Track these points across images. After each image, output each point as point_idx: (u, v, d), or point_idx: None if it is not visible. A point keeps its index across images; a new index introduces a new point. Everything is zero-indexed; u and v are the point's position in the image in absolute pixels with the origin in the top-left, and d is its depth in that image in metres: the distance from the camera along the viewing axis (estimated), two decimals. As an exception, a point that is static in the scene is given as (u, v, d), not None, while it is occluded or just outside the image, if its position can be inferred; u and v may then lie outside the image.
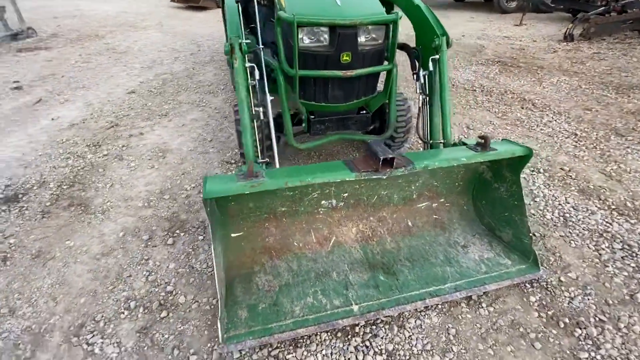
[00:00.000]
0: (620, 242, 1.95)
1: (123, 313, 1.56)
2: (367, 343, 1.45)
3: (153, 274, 1.76)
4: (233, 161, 2.70)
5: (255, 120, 1.86)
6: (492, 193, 1.96)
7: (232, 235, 1.80)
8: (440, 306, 1.61)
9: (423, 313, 1.58)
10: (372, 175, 1.52)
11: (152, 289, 1.68)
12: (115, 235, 1.98)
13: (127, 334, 1.48)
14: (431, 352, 1.42)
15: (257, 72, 1.79)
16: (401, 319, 1.55)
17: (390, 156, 1.49)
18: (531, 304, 1.63)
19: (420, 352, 1.42)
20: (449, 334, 1.49)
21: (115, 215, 2.13)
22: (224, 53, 1.76)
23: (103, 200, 2.26)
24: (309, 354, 1.41)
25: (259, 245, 1.82)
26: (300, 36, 1.79)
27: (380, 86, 2.26)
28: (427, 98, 2.13)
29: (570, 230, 2.06)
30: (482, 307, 1.61)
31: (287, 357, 1.40)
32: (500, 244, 1.91)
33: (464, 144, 1.82)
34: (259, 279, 1.70)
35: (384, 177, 1.55)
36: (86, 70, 4.69)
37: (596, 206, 2.24)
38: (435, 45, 2.01)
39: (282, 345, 1.44)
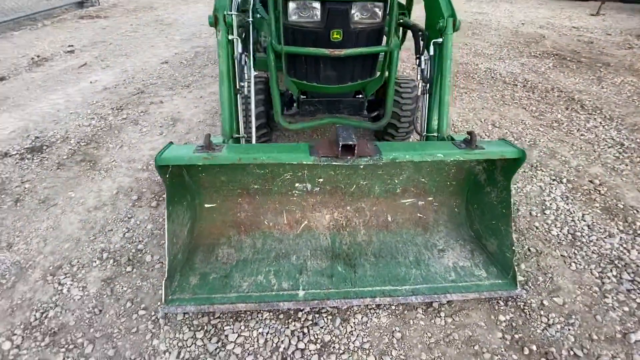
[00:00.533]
0: (633, 273, 1.66)
1: (95, 262, 1.70)
2: (305, 330, 1.43)
3: (131, 231, 1.88)
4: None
5: (239, 95, 1.86)
6: (484, 197, 1.78)
7: (206, 205, 1.85)
8: (394, 307, 1.52)
9: (373, 311, 1.51)
10: (331, 162, 1.45)
11: (126, 244, 1.80)
12: (110, 193, 2.15)
13: (94, 281, 1.62)
14: (368, 351, 1.36)
15: (240, 46, 1.76)
16: (348, 312, 1.50)
17: (351, 143, 1.39)
18: (498, 323, 1.47)
19: (356, 349, 1.37)
20: (393, 336, 1.41)
21: (115, 174, 2.30)
22: (209, 24, 1.75)
23: (110, 159, 2.45)
24: (246, 329, 1.43)
25: (229, 218, 1.85)
26: (289, 10, 1.72)
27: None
28: (427, 86, 1.95)
29: (576, 251, 1.80)
30: (440, 317, 1.49)
31: (225, 328, 1.43)
32: (483, 254, 1.73)
33: (452, 139, 1.65)
34: (221, 250, 1.74)
35: (347, 164, 1.47)
36: (132, 39, 5.03)
37: (618, 229, 1.92)
38: (439, 27, 1.82)
39: (223, 317, 1.47)
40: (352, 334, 1.42)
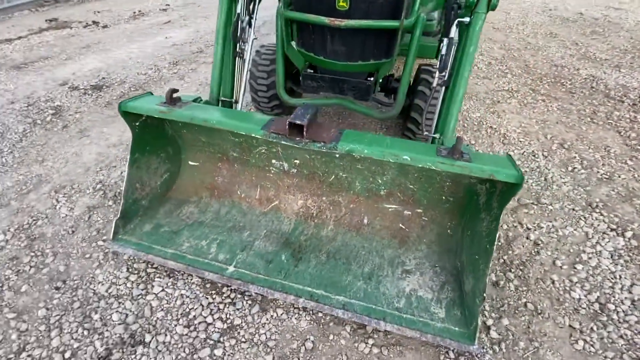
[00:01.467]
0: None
1: (89, 190, 1.91)
2: (221, 306, 1.38)
3: (129, 171, 2.06)
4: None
5: (239, 58, 1.81)
6: (477, 224, 1.43)
7: (190, 162, 1.90)
8: (321, 315, 1.36)
9: (296, 311, 1.37)
10: (280, 140, 1.31)
11: (119, 182, 1.98)
12: (129, 134, 2.37)
13: (81, 205, 1.82)
14: (269, 350, 1.25)
15: (239, 6, 1.68)
16: (271, 304, 1.39)
17: (299, 122, 1.23)
18: None
19: (259, 342, 1.27)
20: (303, 345, 1.27)
21: (143, 120, 2.53)
22: None
23: (146, 106, 2.69)
24: (171, 287, 1.45)
25: (208, 180, 1.87)
26: None
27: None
28: (446, 77, 1.59)
29: (595, 327, 1.34)
30: (367, 343, 1.28)
31: (155, 279, 1.48)
32: (454, 292, 1.41)
33: (442, 143, 1.34)
34: (187, 208, 1.77)
35: (298, 146, 1.31)
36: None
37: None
38: (469, 2, 1.44)
39: (160, 269, 1.52)
40: (263, 327, 1.32)
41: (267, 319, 1.34)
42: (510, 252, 1.64)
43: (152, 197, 1.74)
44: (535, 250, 1.65)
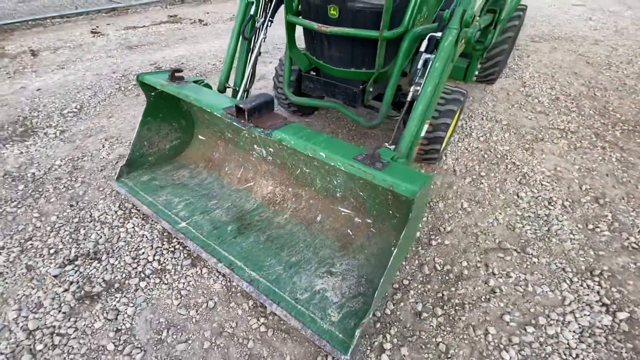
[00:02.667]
0: None
1: (127, 143, 2.40)
2: (164, 252, 1.62)
3: (160, 136, 2.50)
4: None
5: (250, 53, 2.06)
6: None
7: (199, 137, 2.23)
8: (234, 285, 1.49)
9: (217, 274, 1.53)
10: (233, 121, 1.48)
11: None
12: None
13: (116, 152, 2.31)
14: (179, 296, 1.43)
15: (254, 8, 1.93)
16: (202, 262, 1.58)
17: (242, 106, 1.39)
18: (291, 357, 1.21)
19: (175, 288, 1.46)
20: (207, 303, 1.41)
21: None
22: None
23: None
24: (139, 227, 1.76)
25: (208, 153, 2.17)
26: None
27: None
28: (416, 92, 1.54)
29: None
30: (259, 321, 1.36)
31: (132, 218, 1.81)
32: (363, 306, 1.37)
33: (392, 156, 1.31)
34: (182, 171, 2.09)
35: (243, 128, 1.47)
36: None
37: None
38: (443, 17, 1.39)
39: (139, 211, 1.85)
40: (185, 278, 1.51)
41: (191, 273, 1.53)
42: (454, 289, 1.49)
43: (159, 156, 2.11)
44: (487, 297, 1.46)
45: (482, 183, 2.09)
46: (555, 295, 1.47)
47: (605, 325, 1.36)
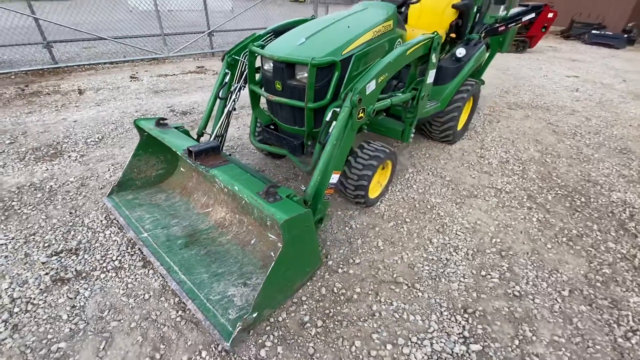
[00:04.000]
0: None
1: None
2: (125, 255, 2.08)
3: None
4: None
5: (226, 102, 2.64)
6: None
7: (181, 169, 2.78)
8: (169, 286, 1.89)
9: (159, 277, 1.95)
10: (186, 158, 2.00)
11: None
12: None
13: (119, 172, 2.90)
14: (124, 287, 1.86)
15: (228, 77, 2.55)
16: (152, 266, 2.01)
17: (191, 149, 1.90)
18: (189, 343, 1.56)
19: (123, 281, 1.90)
20: (143, 295, 1.83)
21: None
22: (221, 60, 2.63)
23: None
24: (115, 235, 2.25)
25: (184, 182, 2.69)
26: (261, 60, 2.33)
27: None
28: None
29: None
30: (177, 312, 1.74)
31: (111, 227, 2.31)
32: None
33: (287, 194, 1.73)
34: (160, 195, 2.61)
35: (192, 165, 1.97)
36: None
37: None
38: (340, 97, 1.88)
39: (117, 222, 2.35)
40: (133, 275, 1.95)
41: (140, 272, 1.97)
42: (340, 308, 1.81)
43: (145, 181, 2.66)
44: (365, 318, 1.77)
45: (403, 227, 2.43)
46: (424, 323, 1.75)
47: (456, 353, 1.62)
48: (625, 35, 11.09)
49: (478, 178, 3.12)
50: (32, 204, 2.50)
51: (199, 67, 6.50)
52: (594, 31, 11.46)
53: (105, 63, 6.38)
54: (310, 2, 13.46)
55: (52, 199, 2.57)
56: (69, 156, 3.16)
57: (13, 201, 2.52)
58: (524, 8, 9.14)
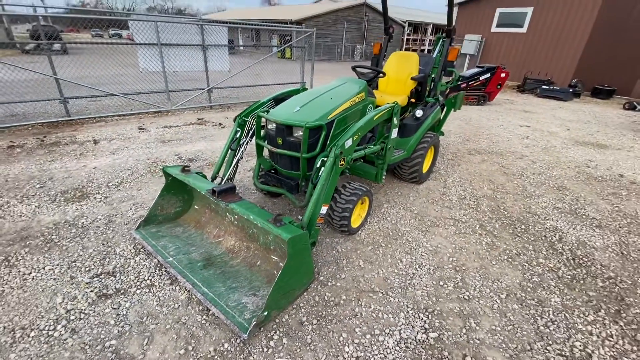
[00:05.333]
0: None
1: (147, 205, 3.52)
2: (155, 275, 2.55)
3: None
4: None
5: (236, 153, 3.29)
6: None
7: (195, 206, 3.34)
8: (194, 298, 2.36)
9: (185, 291, 2.42)
10: (210, 197, 2.58)
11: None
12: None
13: (140, 212, 3.41)
14: (156, 299, 2.31)
15: (239, 132, 3.24)
16: (178, 283, 2.49)
17: (215, 188, 2.50)
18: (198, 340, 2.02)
19: (156, 295, 2.36)
20: (173, 305, 2.29)
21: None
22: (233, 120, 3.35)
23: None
24: (144, 260, 2.72)
25: (198, 217, 3.24)
26: (264, 123, 3.05)
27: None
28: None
29: None
30: (202, 316, 2.21)
31: (140, 254, 2.79)
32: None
33: (289, 221, 2.32)
34: (178, 228, 3.14)
35: (215, 201, 2.55)
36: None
37: None
38: (326, 149, 2.57)
39: (144, 250, 2.83)
40: (163, 290, 2.41)
41: (168, 288, 2.44)
42: (329, 310, 2.32)
43: (165, 217, 3.19)
44: (350, 317, 2.28)
45: (379, 250, 3.02)
46: (394, 319, 2.27)
47: (419, 339, 2.13)
48: (571, 90, 12.87)
49: (440, 211, 3.80)
50: (69, 237, 2.96)
51: (199, 119, 7.28)
52: (544, 86, 13.25)
53: (113, 116, 7.08)
54: (297, 59, 15.02)
55: (86, 233, 3.05)
56: (95, 198, 3.67)
57: (52, 235, 2.98)
58: (480, 69, 10.69)
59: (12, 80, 6.37)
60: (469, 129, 7.62)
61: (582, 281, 2.77)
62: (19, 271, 2.54)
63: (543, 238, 3.36)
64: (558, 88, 13.01)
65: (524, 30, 15.55)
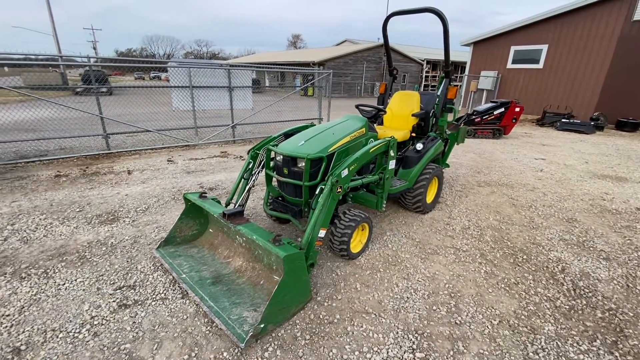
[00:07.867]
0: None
1: (167, 228, 3.89)
2: (169, 289, 2.83)
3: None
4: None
5: (248, 182, 3.65)
6: (292, 292, 2.49)
7: (210, 230, 3.68)
8: (201, 311, 2.61)
9: (193, 304, 2.67)
10: (220, 219, 2.90)
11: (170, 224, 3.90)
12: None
13: (156, 241, 3.78)
14: (168, 310, 2.58)
15: (252, 164, 3.61)
16: (189, 297, 2.75)
17: (225, 212, 2.82)
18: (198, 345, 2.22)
19: (168, 306, 2.62)
20: (182, 315, 2.54)
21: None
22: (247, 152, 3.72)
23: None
24: (161, 276, 3.03)
25: (211, 239, 3.56)
26: (273, 155, 3.42)
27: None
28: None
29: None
30: (207, 327, 2.43)
31: (158, 270, 3.10)
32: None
33: (288, 241, 2.58)
34: (193, 249, 3.46)
35: (231, 226, 2.86)
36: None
37: None
38: (326, 178, 2.86)
39: (162, 267, 3.15)
40: (174, 302, 2.68)
41: (179, 301, 2.71)
42: (322, 327, 2.47)
43: (182, 239, 3.53)
44: (341, 335, 2.42)
45: (377, 275, 3.16)
46: (383, 339, 2.39)
47: (405, 358, 2.23)
48: (592, 123, 12.67)
49: (442, 240, 3.90)
50: (99, 255, 3.35)
51: (222, 152, 7.89)
52: (563, 120, 13.14)
53: (146, 149, 7.83)
54: (316, 96, 15.86)
55: (114, 251, 3.43)
56: (124, 221, 4.11)
57: (86, 252, 3.38)
58: (494, 104, 10.90)
59: (64, 118, 7.32)
60: (482, 162, 7.70)
61: (580, 311, 2.76)
62: (55, 282, 2.91)
63: (544, 268, 3.37)
64: (579, 121, 12.86)
65: (540, 66, 15.78)
